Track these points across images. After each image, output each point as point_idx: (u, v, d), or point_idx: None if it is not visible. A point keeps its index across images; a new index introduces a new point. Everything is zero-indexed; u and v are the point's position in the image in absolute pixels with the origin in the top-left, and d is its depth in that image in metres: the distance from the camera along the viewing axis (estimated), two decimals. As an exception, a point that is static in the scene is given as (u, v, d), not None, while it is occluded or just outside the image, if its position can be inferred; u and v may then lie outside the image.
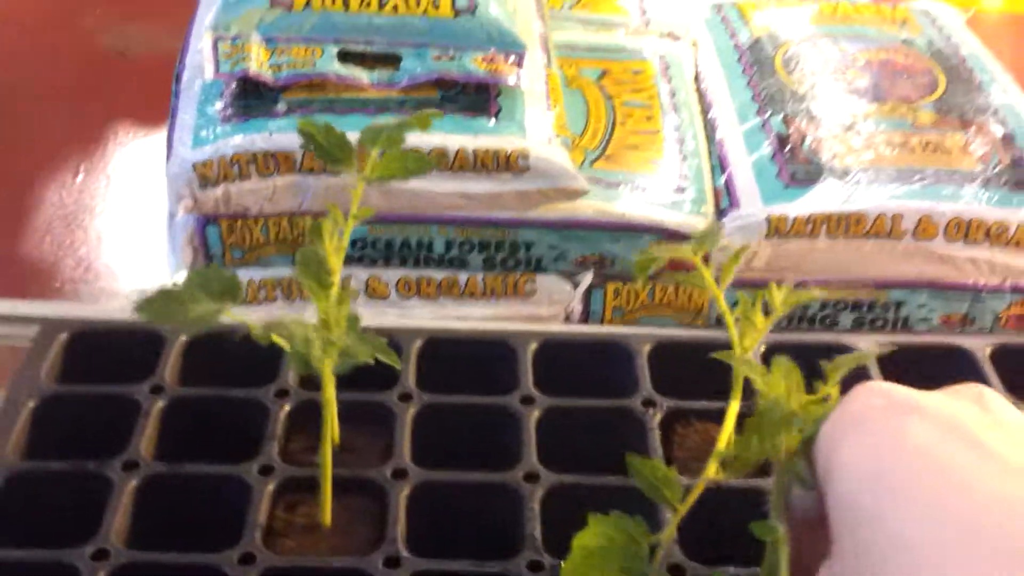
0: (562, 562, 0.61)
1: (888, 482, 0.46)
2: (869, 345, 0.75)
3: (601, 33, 1.77)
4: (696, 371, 0.72)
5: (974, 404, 0.48)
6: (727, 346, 0.63)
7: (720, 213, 1.56)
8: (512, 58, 1.47)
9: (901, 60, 1.77)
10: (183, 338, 0.77)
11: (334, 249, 0.62)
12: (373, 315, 1.56)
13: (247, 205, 1.43)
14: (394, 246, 1.50)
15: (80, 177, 2.45)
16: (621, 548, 0.56)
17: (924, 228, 1.54)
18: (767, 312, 0.59)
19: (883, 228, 1.54)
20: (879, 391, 0.50)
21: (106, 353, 0.77)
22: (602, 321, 1.61)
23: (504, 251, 1.51)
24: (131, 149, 2.55)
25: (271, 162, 1.40)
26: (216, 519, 0.67)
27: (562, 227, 1.50)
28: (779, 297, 0.59)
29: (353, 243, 1.49)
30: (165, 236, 1.51)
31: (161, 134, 2.50)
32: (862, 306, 1.62)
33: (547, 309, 1.58)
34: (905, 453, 0.46)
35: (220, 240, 1.45)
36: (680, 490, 0.58)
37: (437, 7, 1.47)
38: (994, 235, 1.54)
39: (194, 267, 1.49)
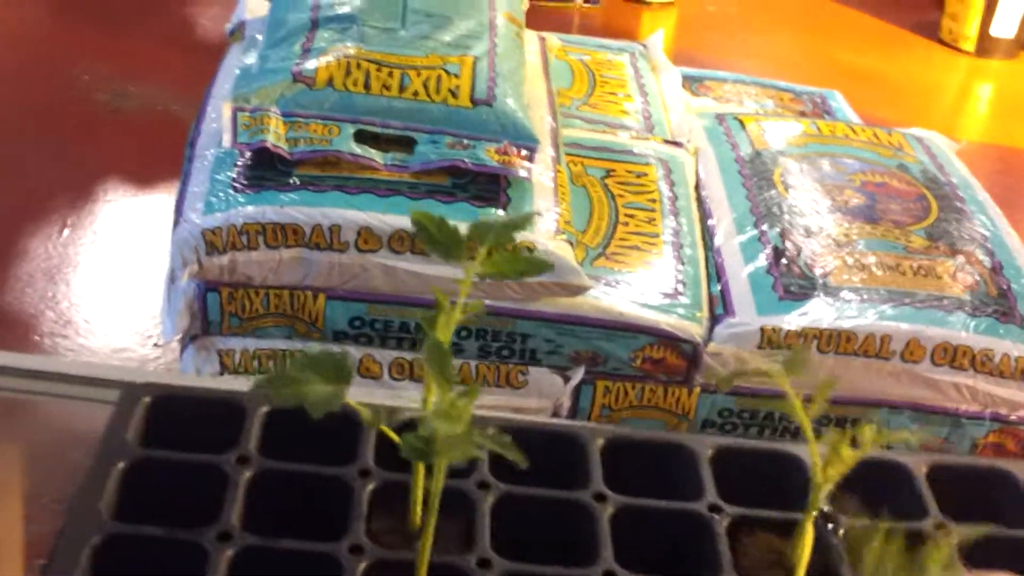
0: None
1: None
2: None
3: (607, 134, 1.80)
4: (757, 478, 0.73)
5: None
6: (788, 456, 0.64)
7: (715, 320, 1.58)
8: (524, 151, 1.49)
9: (896, 184, 1.81)
10: (263, 409, 0.77)
11: (446, 340, 0.62)
12: (363, 394, 1.56)
13: (251, 275, 1.43)
14: (392, 327, 1.50)
15: (66, 231, 2.45)
16: None
17: (912, 351, 1.57)
18: (855, 444, 0.60)
19: (872, 348, 1.57)
20: None
21: (187, 419, 0.76)
22: (589, 418, 1.61)
23: (500, 341, 1.52)
24: (120, 206, 2.54)
25: (280, 234, 1.41)
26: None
27: (560, 321, 1.52)
28: (869, 435, 0.60)
29: (350, 321, 1.49)
30: (163, 298, 1.50)
31: (152, 193, 2.52)
32: (845, 422, 1.64)
33: (536, 402, 1.59)
34: None
35: (220, 308, 1.45)
36: None
37: (456, 96, 1.49)
38: (979, 363, 1.57)
39: (190, 332, 1.49)
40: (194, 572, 0.65)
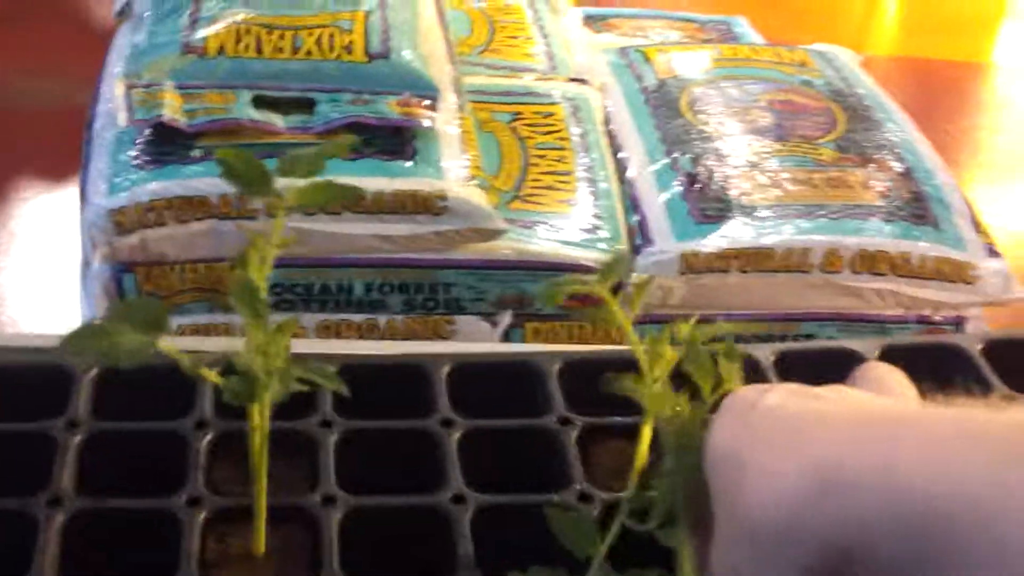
0: None
1: (741, 438, 0.52)
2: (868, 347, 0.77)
3: (511, 79, 1.80)
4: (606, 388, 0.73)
5: (831, 389, 0.55)
6: (633, 363, 0.64)
7: (634, 250, 1.58)
8: (426, 101, 1.49)
9: (801, 100, 1.82)
10: (92, 372, 0.75)
11: (261, 278, 0.62)
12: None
13: (164, 252, 1.41)
14: (313, 290, 1.50)
15: (-19, 234, 2.40)
16: None
17: (831, 261, 1.59)
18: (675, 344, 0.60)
19: (792, 262, 1.58)
20: (748, 387, 0.55)
21: (11, 390, 0.74)
22: (521, 361, 1.62)
23: (424, 293, 1.52)
24: (36, 204, 2.49)
25: (187, 207, 1.39)
26: (147, 554, 0.65)
27: (480, 267, 1.52)
28: (686, 330, 0.60)
29: (272, 288, 1.48)
30: (79, 286, 1.48)
31: (61, 188, 2.48)
32: (774, 339, 1.65)
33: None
34: (758, 414, 0.52)
35: (136, 288, 1.44)
36: (597, 540, 0.59)
37: (350, 52, 1.48)
38: (898, 266, 1.59)
39: (109, 317, 1.47)
40: (27, 543, 0.64)
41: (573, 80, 1.84)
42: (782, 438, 0.50)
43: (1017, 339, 0.79)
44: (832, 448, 0.47)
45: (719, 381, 0.58)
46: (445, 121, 1.51)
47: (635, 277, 1.56)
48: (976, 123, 2.92)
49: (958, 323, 1.65)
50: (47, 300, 2.09)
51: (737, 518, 0.50)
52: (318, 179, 0.64)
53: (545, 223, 1.56)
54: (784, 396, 0.53)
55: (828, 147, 1.72)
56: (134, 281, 1.43)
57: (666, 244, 1.56)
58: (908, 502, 0.42)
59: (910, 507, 0.42)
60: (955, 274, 1.60)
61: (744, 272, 1.57)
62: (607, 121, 1.79)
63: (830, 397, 0.52)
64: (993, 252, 1.61)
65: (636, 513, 0.58)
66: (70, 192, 2.37)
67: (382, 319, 1.52)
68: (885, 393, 0.55)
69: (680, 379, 0.60)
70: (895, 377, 0.57)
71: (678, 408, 0.56)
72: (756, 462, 0.50)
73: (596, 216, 1.59)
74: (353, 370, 0.67)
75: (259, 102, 1.47)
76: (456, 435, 0.72)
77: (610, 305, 0.58)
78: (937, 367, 0.68)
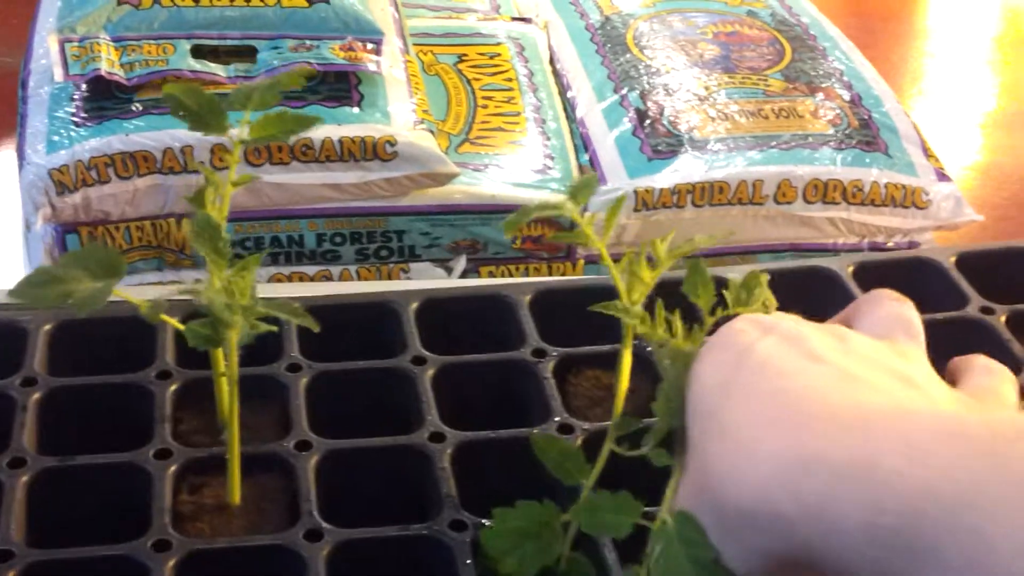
0: (483, 521, 0.60)
1: (729, 385, 0.50)
2: (841, 264, 0.76)
3: (454, 20, 1.77)
4: (578, 317, 0.71)
5: (831, 334, 0.51)
6: (605, 290, 0.62)
7: (587, 190, 1.57)
8: (370, 45, 1.46)
9: (747, 31, 1.81)
10: (47, 327, 0.71)
11: (220, 216, 0.59)
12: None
13: (108, 210, 1.38)
14: (264, 243, 1.47)
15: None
16: (537, 533, 0.56)
17: (784, 192, 1.58)
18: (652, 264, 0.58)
19: (745, 194, 1.58)
20: (748, 319, 0.53)
21: None
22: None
23: (376, 241, 1.50)
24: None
25: (130, 163, 1.36)
26: (117, 511, 0.63)
27: (433, 213, 1.49)
28: (663, 249, 0.58)
29: (220, 244, 1.45)
30: (22, 250, 1.45)
31: (5, 149, 2.41)
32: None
33: (422, 297, 1.57)
34: (749, 362, 0.50)
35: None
36: (585, 466, 0.58)
37: (290, -3, 1.45)
38: (850, 194, 1.59)
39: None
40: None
41: (516, 19, 1.81)
42: (767, 410, 0.47)
43: (987, 251, 0.79)
44: (816, 439, 0.45)
45: (719, 301, 0.56)
46: (390, 65, 1.48)
47: (587, 216, 1.55)
48: (916, 49, 2.93)
49: (910, 248, 1.66)
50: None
51: (705, 481, 0.49)
52: (272, 112, 0.61)
53: (496, 165, 1.54)
54: (780, 347, 0.50)
55: (776, 77, 1.72)
56: (78, 242, 1.40)
57: (619, 181, 1.55)
58: (884, 500, 0.41)
59: (885, 505, 0.41)
60: (907, 199, 1.60)
61: (698, 207, 1.56)
62: (553, 59, 1.77)
63: (829, 360, 0.49)
64: (943, 176, 1.62)
65: (623, 440, 0.56)
66: (6, 154, 2.31)
67: (336, 270, 1.50)
68: (889, 338, 0.52)
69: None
70: (907, 315, 0.54)
71: (673, 331, 0.54)
72: (735, 428, 0.48)
73: (547, 156, 1.58)
74: (319, 311, 0.65)
75: (198, 52, 1.43)
76: (429, 372, 0.70)
77: (583, 228, 0.56)
78: (912, 281, 0.68)
